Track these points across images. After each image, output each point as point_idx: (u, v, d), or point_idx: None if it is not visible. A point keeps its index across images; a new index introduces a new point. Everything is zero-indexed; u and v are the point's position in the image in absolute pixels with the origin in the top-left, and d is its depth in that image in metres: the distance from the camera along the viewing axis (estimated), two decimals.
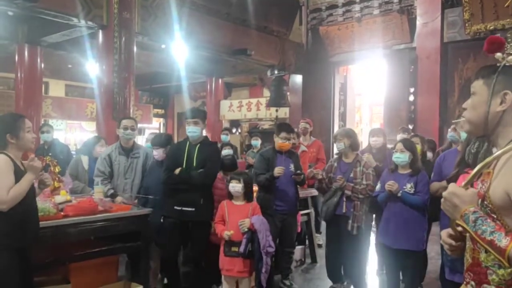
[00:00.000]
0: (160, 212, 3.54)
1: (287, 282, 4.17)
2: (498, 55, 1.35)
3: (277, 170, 3.82)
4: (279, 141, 4.02)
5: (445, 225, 2.97)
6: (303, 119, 6.04)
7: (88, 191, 3.95)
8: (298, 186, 4.22)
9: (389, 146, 4.58)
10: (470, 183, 1.29)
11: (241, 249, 3.30)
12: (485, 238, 1.17)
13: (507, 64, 1.32)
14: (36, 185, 2.65)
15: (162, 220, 3.62)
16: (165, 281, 3.96)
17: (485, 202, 1.26)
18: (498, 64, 1.33)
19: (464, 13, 7.31)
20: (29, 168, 2.44)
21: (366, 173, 3.82)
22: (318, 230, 5.59)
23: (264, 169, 3.98)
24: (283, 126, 4.18)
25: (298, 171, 4.01)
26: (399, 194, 3.40)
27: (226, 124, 11.53)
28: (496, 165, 1.27)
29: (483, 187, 1.29)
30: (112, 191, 3.78)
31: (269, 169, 3.95)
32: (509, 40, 1.26)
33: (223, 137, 7.40)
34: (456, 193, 1.26)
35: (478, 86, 1.36)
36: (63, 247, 3.12)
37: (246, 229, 3.34)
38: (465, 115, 1.40)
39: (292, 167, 4.01)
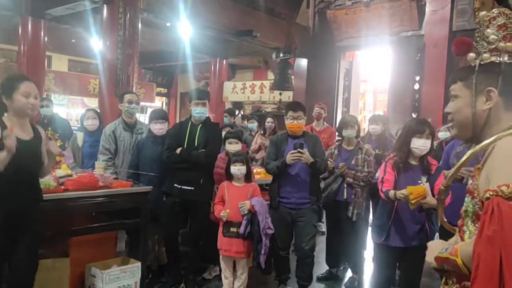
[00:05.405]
0: (156, 189, 3.54)
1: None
2: (471, 55, 1.34)
3: (289, 157, 3.36)
4: (287, 122, 3.56)
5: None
6: (318, 104, 5.87)
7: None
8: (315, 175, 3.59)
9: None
10: (453, 178, 1.35)
11: (241, 230, 3.31)
12: (448, 252, 1.25)
13: (482, 63, 1.31)
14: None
15: (164, 199, 3.64)
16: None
17: (475, 199, 1.25)
18: (472, 64, 1.33)
19: (474, 2, 7.15)
20: (5, 143, 2.16)
21: (368, 160, 3.82)
22: (320, 219, 5.59)
23: (273, 155, 3.57)
24: (289, 105, 3.72)
25: (298, 143, 3.42)
26: None
27: (229, 106, 11.48)
28: (485, 160, 1.27)
29: (473, 183, 1.29)
30: (113, 176, 3.70)
31: (278, 154, 3.54)
32: (478, 39, 1.27)
33: (225, 119, 7.37)
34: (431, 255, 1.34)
35: (458, 89, 1.36)
36: (63, 221, 3.13)
37: (246, 211, 3.34)
38: (451, 119, 1.39)
39: (306, 152, 3.41)
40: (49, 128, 4.19)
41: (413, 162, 3.02)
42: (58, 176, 3.02)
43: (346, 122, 3.92)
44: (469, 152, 1.26)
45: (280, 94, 9.48)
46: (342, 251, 4.11)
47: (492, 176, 1.16)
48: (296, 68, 9.72)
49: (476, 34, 1.36)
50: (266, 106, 11.97)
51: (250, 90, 11.80)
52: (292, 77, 9.17)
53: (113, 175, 3.69)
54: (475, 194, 1.25)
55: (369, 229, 4.14)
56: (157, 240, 4.00)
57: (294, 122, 3.52)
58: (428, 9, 7.88)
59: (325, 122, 5.84)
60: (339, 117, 8.54)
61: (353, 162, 3.83)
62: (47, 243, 2.91)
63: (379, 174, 3.14)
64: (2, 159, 2.15)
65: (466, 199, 1.30)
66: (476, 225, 1.23)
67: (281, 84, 8.95)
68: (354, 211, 3.74)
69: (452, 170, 1.38)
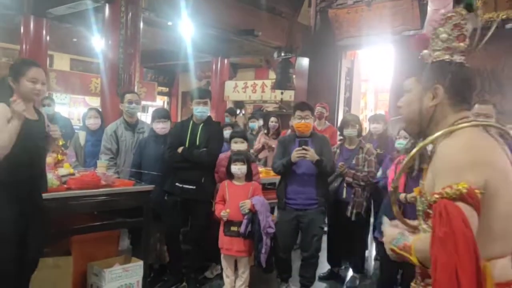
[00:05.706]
0: (157, 188, 3.54)
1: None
2: (425, 52, 1.38)
3: (294, 154, 3.34)
4: (295, 122, 3.56)
5: None
6: (320, 103, 5.88)
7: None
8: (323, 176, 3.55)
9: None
10: (397, 183, 1.44)
11: (242, 229, 3.32)
12: (399, 246, 1.28)
13: (434, 60, 1.35)
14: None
15: (166, 198, 3.65)
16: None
17: (423, 199, 1.28)
18: (426, 61, 1.37)
19: (477, 1, 7.17)
20: (12, 113, 2.27)
21: (368, 160, 3.81)
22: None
23: (281, 154, 3.57)
24: (297, 105, 3.68)
25: (302, 140, 3.41)
26: None
27: (230, 105, 11.48)
28: (430, 161, 1.30)
29: (421, 183, 1.33)
30: (116, 175, 3.71)
31: (285, 154, 3.54)
32: (433, 37, 1.30)
33: (226, 119, 7.39)
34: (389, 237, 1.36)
35: (410, 83, 1.40)
36: (65, 220, 3.14)
37: (247, 211, 3.35)
38: (401, 112, 1.43)
39: (311, 150, 3.40)
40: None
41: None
42: (61, 175, 3.02)
43: (347, 121, 3.93)
44: (415, 149, 1.29)
45: (282, 93, 9.45)
46: (343, 250, 4.11)
47: (436, 178, 1.19)
48: (298, 67, 9.70)
49: (432, 32, 1.38)
50: (267, 105, 11.97)
51: (251, 89, 11.78)
52: (294, 76, 9.17)
53: (115, 174, 3.70)
54: (422, 193, 1.28)
55: (370, 228, 4.15)
56: (158, 239, 4.01)
57: (302, 122, 3.50)
58: (430, 8, 7.84)
59: (326, 121, 5.86)
60: (340, 116, 8.54)
61: (353, 162, 3.84)
62: (50, 242, 2.92)
63: (388, 176, 3.13)
64: (15, 125, 2.25)
65: (418, 198, 1.33)
66: (427, 223, 1.25)
67: (282, 83, 8.95)
68: (353, 210, 3.74)
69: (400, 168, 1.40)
